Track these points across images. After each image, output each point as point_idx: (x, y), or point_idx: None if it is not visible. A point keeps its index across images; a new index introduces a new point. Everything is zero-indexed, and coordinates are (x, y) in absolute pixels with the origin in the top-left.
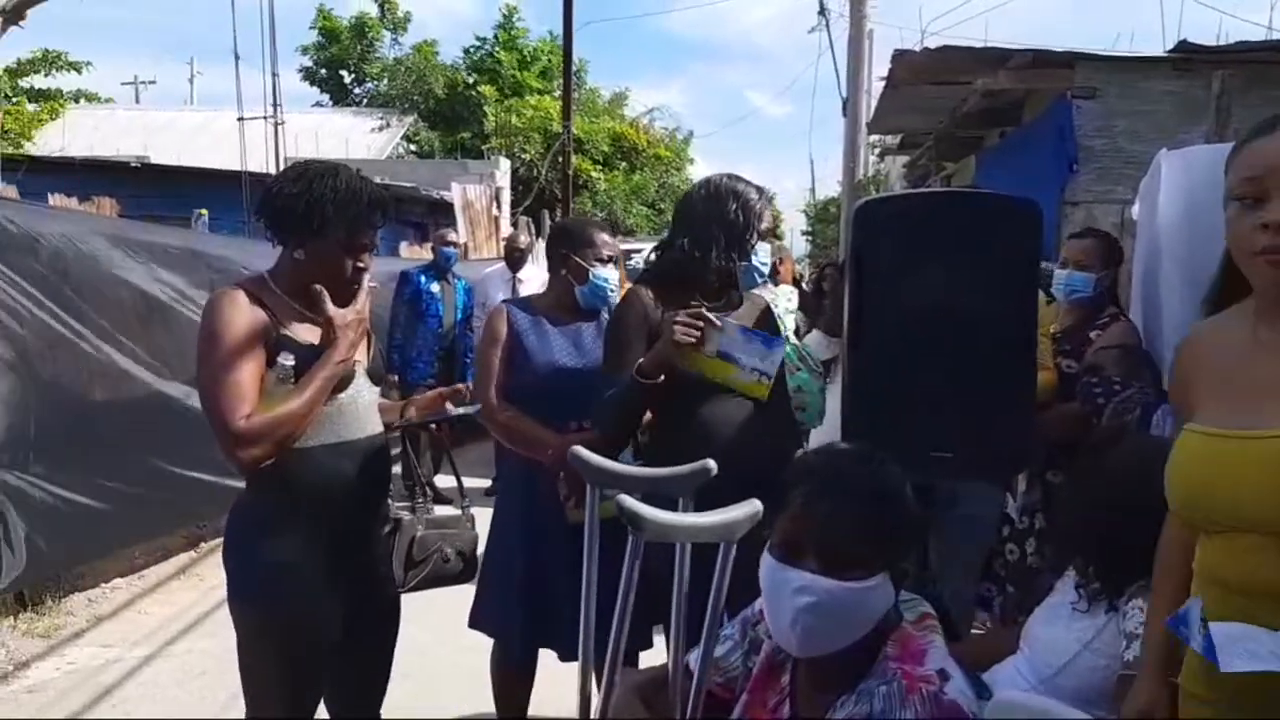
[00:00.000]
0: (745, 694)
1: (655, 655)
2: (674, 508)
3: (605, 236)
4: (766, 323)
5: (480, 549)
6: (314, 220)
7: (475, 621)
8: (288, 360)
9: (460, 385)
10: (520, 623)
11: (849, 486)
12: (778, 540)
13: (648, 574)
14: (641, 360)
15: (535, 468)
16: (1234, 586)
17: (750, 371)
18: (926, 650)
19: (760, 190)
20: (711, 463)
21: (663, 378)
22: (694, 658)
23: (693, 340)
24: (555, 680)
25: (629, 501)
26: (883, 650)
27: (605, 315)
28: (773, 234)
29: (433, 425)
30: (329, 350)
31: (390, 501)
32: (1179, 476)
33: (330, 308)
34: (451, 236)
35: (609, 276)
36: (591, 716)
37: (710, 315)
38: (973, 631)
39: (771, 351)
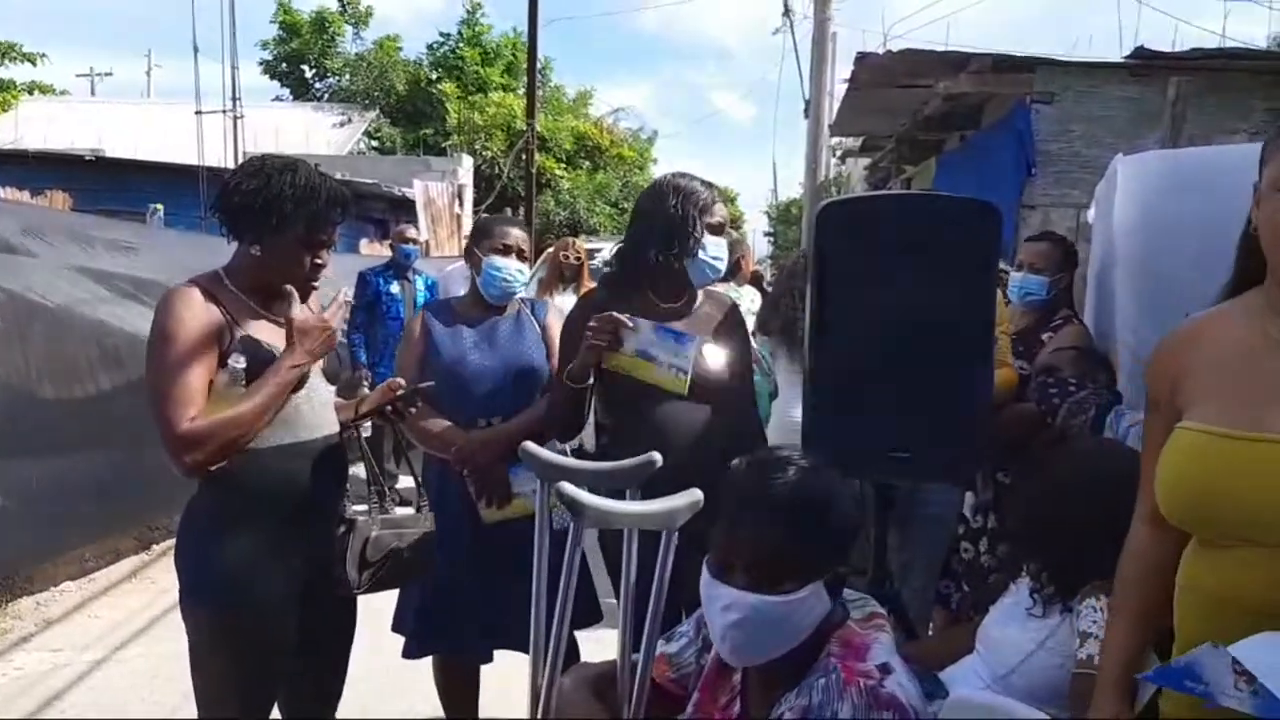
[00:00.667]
0: (697, 691)
1: (607, 650)
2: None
3: (509, 229)
4: (733, 321)
5: None
6: (272, 216)
7: (395, 624)
8: (238, 362)
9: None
10: (422, 624)
11: (774, 500)
12: (711, 554)
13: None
14: (570, 365)
15: (450, 468)
16: (1251, 606)
17: (668, 368)
18: (870, 646)
19: (709, 185)
20: (656, 455)
21: (591, 380)
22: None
23: (603, 344)
24: (508, 677)
25: (568, 488)
26: (825, 648)
27: (525, 309)
28: (729, 229)
29: (388, 408)
30: (283, 355)
31: (348, 502)
32: (1176, 478)
33: (295, 310)
34: (411, 234)
35: (501, 265)
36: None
37: (621, 317)
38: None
39: (682, 347)
